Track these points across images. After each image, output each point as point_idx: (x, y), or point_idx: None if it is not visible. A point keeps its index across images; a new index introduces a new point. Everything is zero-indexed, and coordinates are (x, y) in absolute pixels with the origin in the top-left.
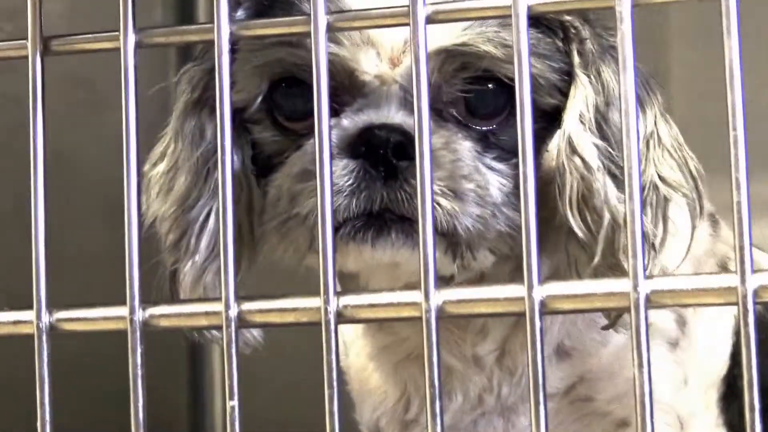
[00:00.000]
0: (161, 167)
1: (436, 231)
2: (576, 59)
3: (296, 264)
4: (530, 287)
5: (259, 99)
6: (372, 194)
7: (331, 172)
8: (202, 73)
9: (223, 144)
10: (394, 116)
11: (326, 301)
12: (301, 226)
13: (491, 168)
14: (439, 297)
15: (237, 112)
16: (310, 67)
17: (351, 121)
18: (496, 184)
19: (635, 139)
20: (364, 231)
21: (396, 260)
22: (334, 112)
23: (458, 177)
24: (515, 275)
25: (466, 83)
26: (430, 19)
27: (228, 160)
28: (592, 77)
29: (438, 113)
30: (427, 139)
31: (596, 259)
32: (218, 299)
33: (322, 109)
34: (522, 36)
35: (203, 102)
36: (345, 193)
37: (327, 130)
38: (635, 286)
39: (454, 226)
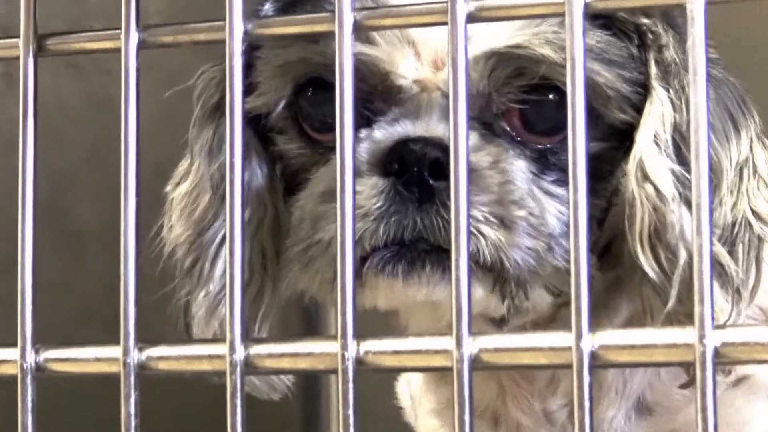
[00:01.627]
0: (184, 187)
1: (479, 264)
2: (653, 69)
3: (324, 298)
4: (578, 336)
5: (282, 104)
6: (403, 220)
7: (354, 192)
8: (222, 74)
9: (232, 159)
10: (435, 128)
11: (344, 346)
12: (324, 255)
13: (549, 193)
14: (474, 344)
15: (259, 119)
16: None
17: (384, 133)
18: (553, 211)
19: (705, 162)
20: (394, 263)
21: (432, 298)
22: (366, 122)
23: (507, 202)
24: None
25: (521, 92)
26: (473, 17)
27: (238, 176)
28: (671, 91)
29: (487, 127)
30: (464, 154)
31: (670, 304)
32: (223, 341)
33: (345, 119)
34: (576, 38)
35: (223, 108)
36: (372, 218)
37: (351, 144)
38: (701, 338)
39: (500, 259)
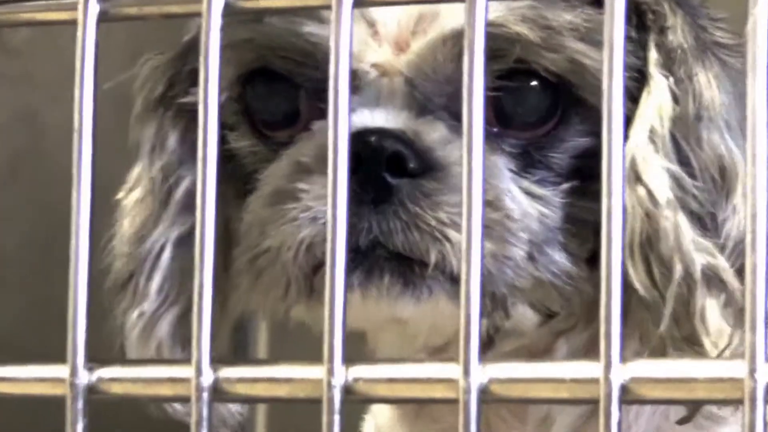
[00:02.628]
0: (137, 192)
1: (445, 275)
2: (652, 54)
3: (282, 318)
4: (608, 365)
5: (226, 96)
6: (358, 223)
7: (348, 191)
8: (167, 63)
9: (205, 153)
10: (395, 118)
11: (330, 372)
12: (274, 265)
13: (531, 194)
14: (484, 373)
15: None
16: (288, 54)
17: None
18: (536, 215)
19: (764, 167)
20: (348, 274)
21: (396, 315)
22: (320, 113)
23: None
24: (590, 348)
25: (496, 78)
26: None
27: (212, 175)
28: (672, 80)
29: (457, 117)
30: (479, 160)
31: (662, 326)
32: (188, 361)
33: (339, 109)
34: (617, 14)
35: (166, 101)
36: (322, 221)
37: (345, 134)
38: (752, 371)
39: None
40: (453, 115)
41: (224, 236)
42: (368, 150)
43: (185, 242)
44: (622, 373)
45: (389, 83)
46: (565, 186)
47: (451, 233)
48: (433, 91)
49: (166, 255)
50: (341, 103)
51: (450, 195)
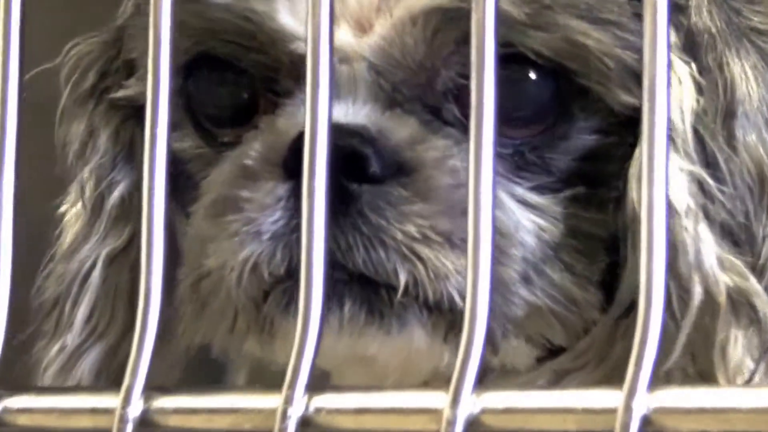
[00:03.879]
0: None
1: (418, 300)
2: (671, 36)
3: (235, 353)
4: (631, 393)
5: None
6: None
7: (327, 196)
8: (99, 50)
9: (153, 154)
10: (357, 112)
11: (288, 400)
12: (217, 291)
13: (524, 202)
14: (476, 403)
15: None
16: (230, 36)
17: (288, 121)
18: (530, 227)
19: None
20: (294, 300)
21: (361, 351)
22: (273, 107)
23: (459, 213)
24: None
25: None
26: None
27: (161, 173)
28: (695, 67)
29: (432, 111)
30: (489, 171)
31: (673, 357)
32: (115, 390)
33: (318, 99)
34: None
35: (97, 95)
36: (268, 236)
37: (325, 133)
38: None
39: (448, 294)
40: (426, 108)
41: (169, 254)
42: None
43: (119, 260)
44: (647, 401)
45: (349, 70)
46: (568, 193)
47: (423, 250)
48: (402, 80)
49: (96, 275)
50: (321, 96)
51: (421, 204)
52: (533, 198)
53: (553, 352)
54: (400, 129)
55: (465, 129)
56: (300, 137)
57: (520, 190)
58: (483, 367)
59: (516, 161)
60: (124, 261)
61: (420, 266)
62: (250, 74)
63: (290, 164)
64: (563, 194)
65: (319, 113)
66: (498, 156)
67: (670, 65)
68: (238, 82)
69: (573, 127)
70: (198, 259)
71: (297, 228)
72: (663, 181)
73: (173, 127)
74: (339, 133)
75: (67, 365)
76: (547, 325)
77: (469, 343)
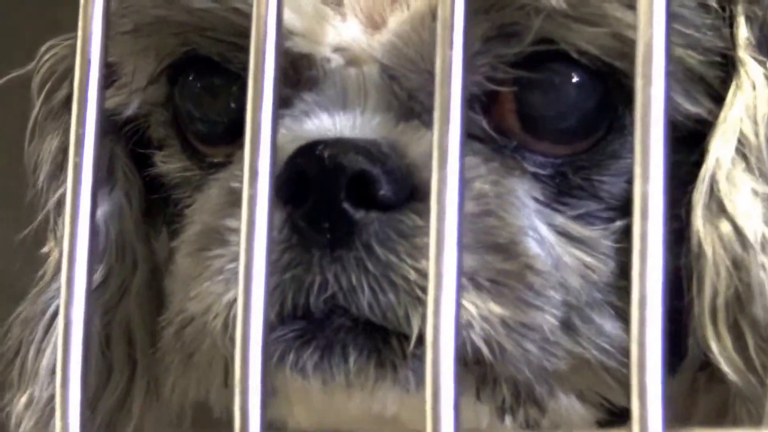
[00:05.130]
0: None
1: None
2: (742, 32)
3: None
4: None
5: (141, 98)
6: (305, 276)
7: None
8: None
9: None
10: (367, 124)
11: None
12: (201, 340)
13: (567, 234)
14: None
15: (136, 129)
16: (221, 34)
17: (286, 134)
18: (574, 265)
19: None
20: (298, 350)
21: (378, 410)
22: None
23: (489, 248)
24: None
25: (511, 66)
26: None
27: (86, 195)
28: None
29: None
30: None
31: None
32: None
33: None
34: None
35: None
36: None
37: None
38: None
39: (471, 344)
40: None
41: (148, 295)
42: (320, 169)
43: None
44: None
45: (359, 74)
46: (620, 224)
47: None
48: (420, 86)
49: (61, 318)
50: (265, 95)
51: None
52: (578, 229)
53: (614, 413)
54: (417, 144)
55: (495, 143)
56: (297, 155)
57: (561, 220)
58: (532, 425)
59: (557, 184)
60: (97, 304)
61: None
62: (243, 79)
63: (283, 188)
64: (615, 225)
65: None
66: (534, 177)
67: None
68: (228, 89)
69: (626, 143)
70: (182, 302)
71: (293, 264)
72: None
73: (159, 145)
74: (340, 149)
75: (41, 420)
76: (600, 382)
77: None
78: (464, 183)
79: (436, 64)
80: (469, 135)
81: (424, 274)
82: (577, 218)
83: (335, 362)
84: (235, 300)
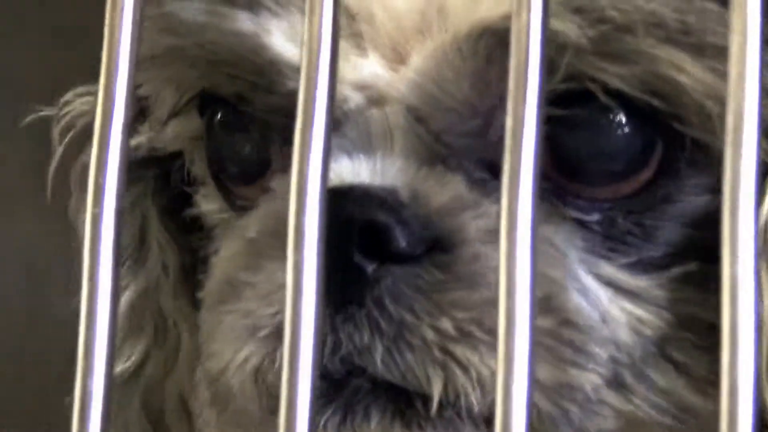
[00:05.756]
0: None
1: (461, 413)
2: None
3: None
4: None
5: (174, 129)
6: (322, 336)
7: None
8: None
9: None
10: (389, 170)
11: None
12: (231, 397)
13: (615, 285)
14: None
15: (165, 163)
16: (237, 71)
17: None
18: (624, 320)
19: None
20: (318, 412)
21: None
22: (286, 161)
23: None
24: None
25: (546, 103)
26: None
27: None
28: None
29: (484, 166)
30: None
31: None
32: None
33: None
34: None
35: None
36: (266, 332)
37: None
38: None
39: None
40: (478, 163)
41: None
42: (331, 220)
43: (129, 385)
44: None
45: (380, 115)
46: (676, 271)
47: (462, 351)
48: (448, 126)
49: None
50: (314, 150)
51: (463, 291)
52: (628, 280)
53: None
54: (441, 191)
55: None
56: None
57: (609, 269)
58: None
59: (605, 230)
60: (135, 388)
61: (459, 372)
62: (259, 118)
63: None
64: (670, 273)
65: (310, 176)
66: (577, 223)
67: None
68: (247, 127)
69: (679, 185)
70: (206, 358)
71: None
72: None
73: (200, 181)
74: (354, 197)
75: None
76: None
77: None
78: (535, 252)
79: (507, 114)
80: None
81: (443, 334)
82: (628, 267)
83: (358, 423)
84: (244, 361)
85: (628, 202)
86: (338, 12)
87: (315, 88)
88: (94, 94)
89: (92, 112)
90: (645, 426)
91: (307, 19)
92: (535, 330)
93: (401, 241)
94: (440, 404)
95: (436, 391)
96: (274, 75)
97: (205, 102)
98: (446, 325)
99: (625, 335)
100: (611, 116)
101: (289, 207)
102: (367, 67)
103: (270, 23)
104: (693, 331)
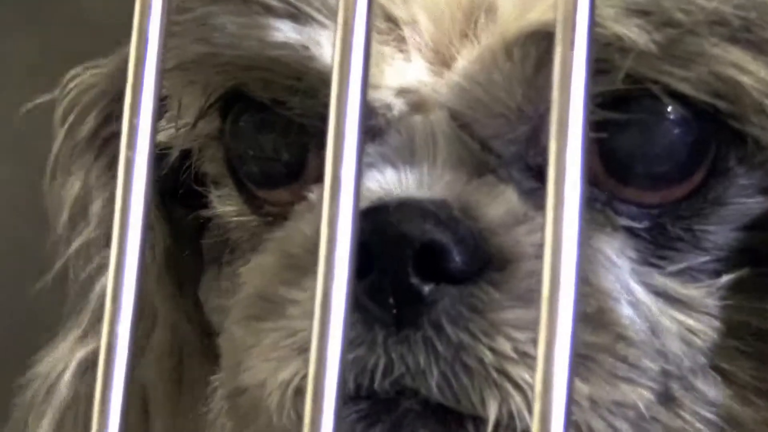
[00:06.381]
0: None
1: None
2: None
3: None
4: None
5: (197, 131)
6: (368, 357)
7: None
8: (105, 83)
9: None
10: (436, 181)
11: None
12: (257, 412)
13: (665, 295)
14: None
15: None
16: (272, 76)
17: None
18: (675, 330)
19: None
20: None
21: None
22: (316, 172)
23: (578, 318)
24: None
25: (596, 107)
26: None
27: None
28: None
29: (537, 176)
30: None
31: None
32: None
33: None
34: None
35: (98, 143)
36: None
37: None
38: None
39: None
40: (529, 172)
41: (176, 354)
42: (384, 239)
43: (94, 369)
44: None
45: (425, 122)
46: (727, 278)
47: (520, 373)
48: (495, 133)
49: (63, 386)
50: (345, 162)
51: (519, 309)
52: (678, 288)
53: None
54: (493, 204)
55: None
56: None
57: (659, 278)
58: None
59: (654, 238)
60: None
61: (516, 394)
62: (296, 122)
63: None
64: (722, 280)
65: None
66: (626, 231)
67: None
68: (280, 130)
69: (731, 187)
70: (233, 370)
71: (354, 343)
72: None
73: (213, 181)
74: (408, 214)
75: None
76: None
77: None
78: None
79: (552, 116)
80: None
81: (500, 354)
82: (678, 275)
83: None
84: (289, 380)
85: (677, 207)
86: (371, 18)
87: (346, 96)
88: (97, 67)
89: (100, 84)
90: None
91: (340, 27)
92: (583, 346)
93: (458, 260)
94: (494, 426)
95: (492, 413)
96: (321, 84)
97: (229, 102)
98: (503, 345)
99: (675, 346)
100: (667, 118)
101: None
102: (410, 72)
103: (319, 35)
104: (742, 339)
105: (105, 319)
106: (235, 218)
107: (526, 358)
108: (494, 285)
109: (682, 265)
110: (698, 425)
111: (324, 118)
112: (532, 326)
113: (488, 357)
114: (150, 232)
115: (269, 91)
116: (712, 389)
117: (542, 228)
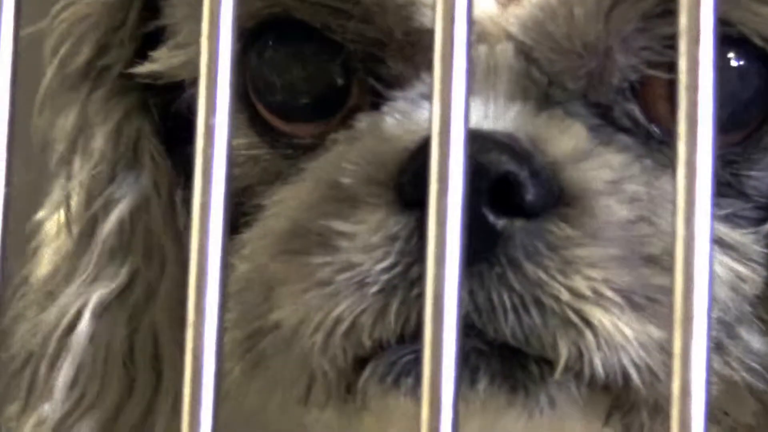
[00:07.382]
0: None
1: (581, 379)
2: None
3: (289, 423)
4: None
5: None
6: None
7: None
8: (99, 14)
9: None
10: (501, 115)
11: None
12: (286, 352)
13: (717, 239)
14: None
15: (169, 99)
16: (335, 5)
17: (401, 122)
18: (726, 277)
19: None
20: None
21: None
22: (373, 98)
23: (641, 260)
24: None
25: (667, 47)
26: None
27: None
28: None
29: (603, 113)
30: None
31: None
32: None
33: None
34: None
35: (93, 75)
36: (377, 288)
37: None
38: None
39: (623, 369)
40: (596, 109)
41: (180, 297)
42: None
43: (113, 309)
44: None
45: (490, 53)
46: None
47: (594, 313)
48: (564, 68)
49: (82, 329)
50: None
51: (591, 247)
52: (729, 234)
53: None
54: (562, 139)
55: (648, 138)
56: (422, 149)
57: (714, 224)
58: None
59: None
60: (120, 311)
61: (589, 335)
62: (345, 49)
63: (409, 188)
64: (764, 227)
65: (453, 116)
66: None
67: None
68: (324, 57)
69: None
70: (258, 307)
71: (419, 280)
72: None
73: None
74: (480, 144)
75: None
76: (738, 404)
77: None
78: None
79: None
80: (620, 128)
81: (576, 294)
82: (725, 220)
83: (462, 390)
84: (342, 316)
85: (729, 152)
86: None
87: (453, 23)
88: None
89: (94, 14)
90: (738, 389)
91: None
92: (653, 289)
93: (533, 194)
94: (564, 369)
95: (564, 354)
96: (391, 6)
97: (257, 31)
98: (580, 284)
99: (724, 293)
100: (737, 63)
101: (384, 151)
102: (477, 2)
103: None
104: None
105: (188, 322)
106: (245, 151)
107: (601, 298)
108: (566, 221)
109: (727, 210)
110: (745, 375)
111: (377, 45)
112: (605, 265)
113: (564, 295)
114: (154, 170)
115: (319, 13)
116: (755, 339)
117: (620, 167)
